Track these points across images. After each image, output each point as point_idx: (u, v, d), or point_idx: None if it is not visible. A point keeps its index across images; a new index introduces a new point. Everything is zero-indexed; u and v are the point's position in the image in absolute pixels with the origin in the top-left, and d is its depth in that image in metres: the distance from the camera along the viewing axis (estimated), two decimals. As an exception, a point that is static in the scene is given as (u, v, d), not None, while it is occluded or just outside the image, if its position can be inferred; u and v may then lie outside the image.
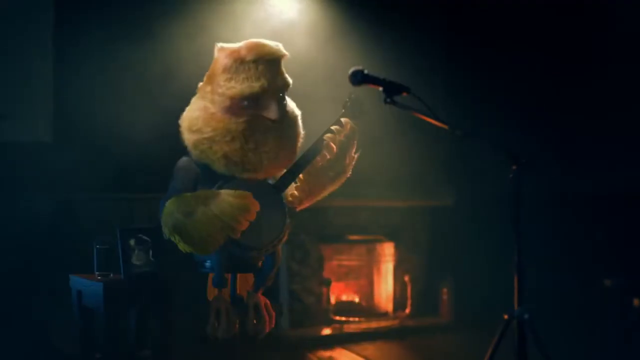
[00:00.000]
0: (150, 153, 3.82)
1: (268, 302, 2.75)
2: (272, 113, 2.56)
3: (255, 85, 2.52)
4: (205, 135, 2.56)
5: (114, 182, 3.93)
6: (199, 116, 2.61)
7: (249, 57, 2.55)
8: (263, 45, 2.59)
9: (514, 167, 2.41)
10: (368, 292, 5.11)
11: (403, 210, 5.05)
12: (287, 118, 2.67)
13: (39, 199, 3.70)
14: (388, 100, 2.36)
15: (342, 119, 2.83)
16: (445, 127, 2.42)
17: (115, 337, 2.51)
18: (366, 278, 5.12)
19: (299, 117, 2.78)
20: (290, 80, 2.66)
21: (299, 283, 4.59)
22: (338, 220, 4.81)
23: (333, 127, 2.80)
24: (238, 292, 2.74)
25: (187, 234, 2.40)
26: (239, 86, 2.54)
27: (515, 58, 4.73)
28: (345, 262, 5.03)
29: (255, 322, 2.68)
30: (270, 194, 2.64)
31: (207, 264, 2.66)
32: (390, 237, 5.07)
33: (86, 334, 2.65)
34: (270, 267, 2.72)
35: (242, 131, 2.55)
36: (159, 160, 3.18)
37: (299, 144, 2.77)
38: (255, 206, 2.47)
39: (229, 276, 2.69)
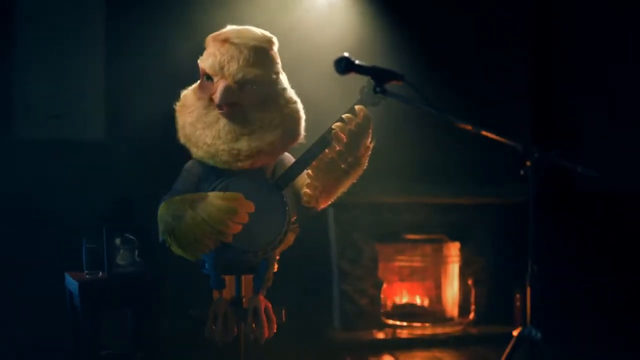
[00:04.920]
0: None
1: (269, 305, 2.58)
2: (215, 96, 2.43)
3: (209, 60, 2.45)
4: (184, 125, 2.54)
5: (168, 178, 3.95)
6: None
7: (221, 37, 2.46)
8: (239, 29, 2.48)
9: (528, 163, 2.14)
10: (430, 295, 4.78)
11: (469, 208, 4.67)
12: (255, 112, 2.45)
13: (94, 197, 3.72)
14: (378, 89, 2.16)
15: (356, 107, 2.56)
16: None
17: (94, 338, 2.46)
18: (428, 280, 4.79)
19: (298, 118, 2.58)
20: (248, 74, 2.41)
21: (350, 284, 4.36)
22: (396, 218, 4.52)
23: (344, 116, 2.50)
24: (243, 294, 2.62)
25: (176, 238, 2.31)
26: (203, 58, 2.51)
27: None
28: (406, 263, 4.71)
29: (254, 326, 2.55)
30: (269, 192, 2.45)
31: (207, 265, 2.56)
32: (454, 237, 4.71)
33: (76, 334, 2.62)
34: (265, 268, 2.56)
35: (196, 117, 2.49)
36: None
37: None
38: (247, 208, 2.30)
39: (231, 278, 2.58)
